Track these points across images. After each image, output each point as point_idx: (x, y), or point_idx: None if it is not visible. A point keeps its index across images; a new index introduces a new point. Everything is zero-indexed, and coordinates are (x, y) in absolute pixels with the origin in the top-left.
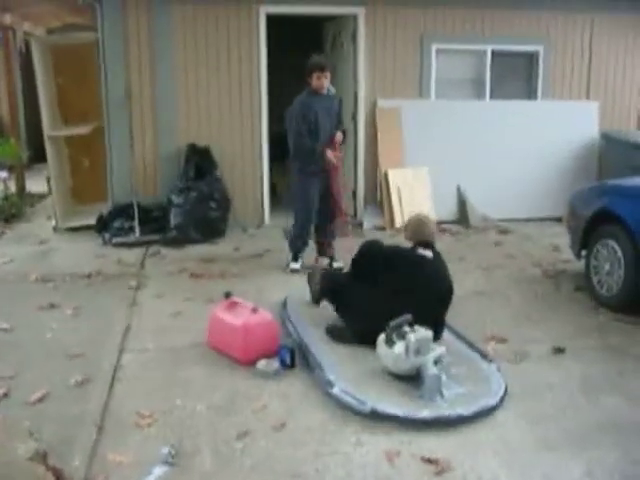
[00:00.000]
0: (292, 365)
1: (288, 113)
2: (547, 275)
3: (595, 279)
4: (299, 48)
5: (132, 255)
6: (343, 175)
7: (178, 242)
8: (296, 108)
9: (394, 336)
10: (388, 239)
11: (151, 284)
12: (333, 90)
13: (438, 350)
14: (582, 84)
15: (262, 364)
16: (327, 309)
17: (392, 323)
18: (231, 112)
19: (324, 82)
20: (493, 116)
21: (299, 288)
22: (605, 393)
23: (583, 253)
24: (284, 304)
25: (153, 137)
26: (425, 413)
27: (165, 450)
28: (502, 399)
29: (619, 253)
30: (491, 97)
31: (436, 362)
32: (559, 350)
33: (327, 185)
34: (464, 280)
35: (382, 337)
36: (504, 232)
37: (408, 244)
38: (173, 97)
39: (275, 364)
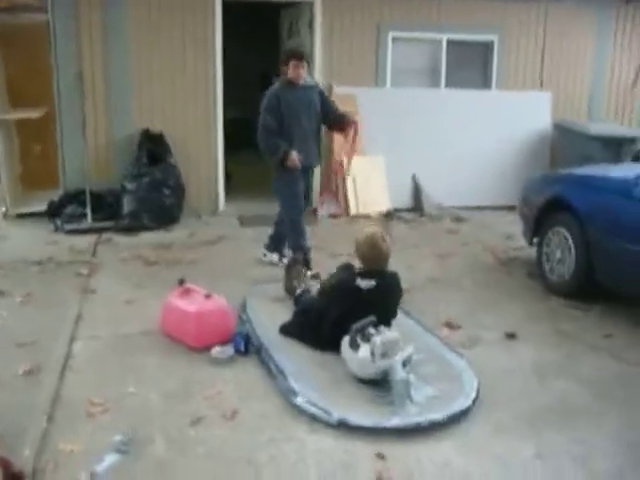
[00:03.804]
0: (246, 352)
1: (263, 104)
2: (500, 262)
3: (547, 266)
4: (255, 35)
5: (84, 242)
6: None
7: (131, 229)
8: (266, 100)
9: (358, 339)
10: (343, 226)
11: (104, 271)
12: (312, 80)
13: (406, 351)
14: (535, 74)
15: (216, 351)
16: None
17: (355, 325)
18: (186, 98)
19: (301, 72)
20: (448, 105)
21: (257, 280)
22: (555, 377)
23: (535, 241)
24: (243, 305)
25: (106, 122)
26: (395, 421)
27: (118, 438)
28: (475, 400)
29: (570, 241)
30: (446, 86)
31: (404, 364)
32: (511, 336)
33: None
34: (419, 268)
35: (346, 340)
36: (458, 220)
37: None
38: (127, 81)
39: (229, 351)
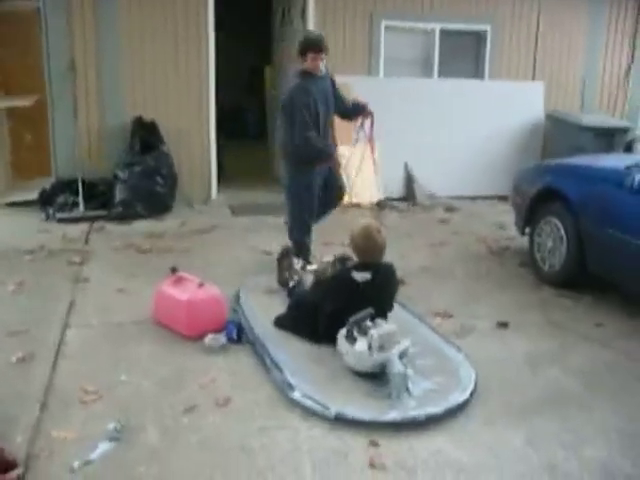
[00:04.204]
0: (239, 340)
1: (287, 101)
2: (492, 252)
3: (538, 256)
4: (248, 24)
5: (77, 231)
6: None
7: (124, 218)
8: (298, 96)
9: (355, 332)
10: (335, 215)
11: (96, 260)
12: (325, 70)
13: (403, 344)
14: (528, 64)
15: (209, 339)
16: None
17: (352, 318)
18: (178, 86)
19: (320, 64)
20: (441, 94)
21: (250, 269)
22: (547, 366)
23: (527, 230)
24: (237, 297)
25: (98, 110)
26: (393, 415)
27: (111, 426)
28: (472, 393)
29: (562, 230)
30: (439, 75)
31: (401, 356)
32: (503, 325)
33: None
34: (411, 257)
35: (342, 333)
36: (450, 210)
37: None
38: (119, 70)
39: (222, 339)
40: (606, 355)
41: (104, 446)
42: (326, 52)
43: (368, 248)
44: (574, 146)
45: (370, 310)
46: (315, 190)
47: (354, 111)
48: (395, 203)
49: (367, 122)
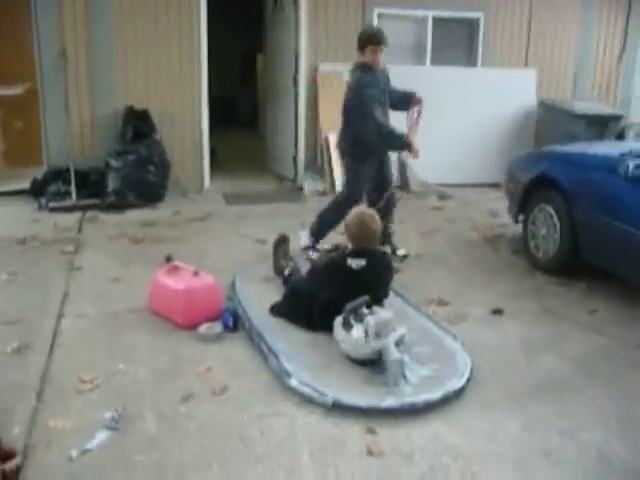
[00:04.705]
0: (235, 328)
1: (355, 95)
2: (486, 239)
3: (532, 243)
4: (240, 12)
5: (69, 220)
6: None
7: (116, 207)
8: (365, 89)
9: (352, 319)
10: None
11: (90, 249)
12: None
13: (399, 331)
14: (521, 52)
15: (204, 328)
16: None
17: (348, 306)
18: (170, 74)
19: (380, 58)
20: (433, 82)
21: (244, 258)
22: (542, 353)
23: (520, 218)
24: (233, 285)
25: (90, 98)
26: (390, 401)
27: (108, 415)
28: (469, 380)
29: (555, 218)
30: (432, 63)
31: (398, 344)
32: (497, 312)
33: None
34: (405, 244)
35: (339, 320)
36: (444, 197)
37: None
38: (110, 58)
39: (218, 328)
40: (600, 342)
41: (102, 435)
42: (385, 45)
43: (362, 235)
44: (566, 134)
45: (366, 297)
46: (367, 179)
47: (404, 101)
48: None
49: (416, 110)
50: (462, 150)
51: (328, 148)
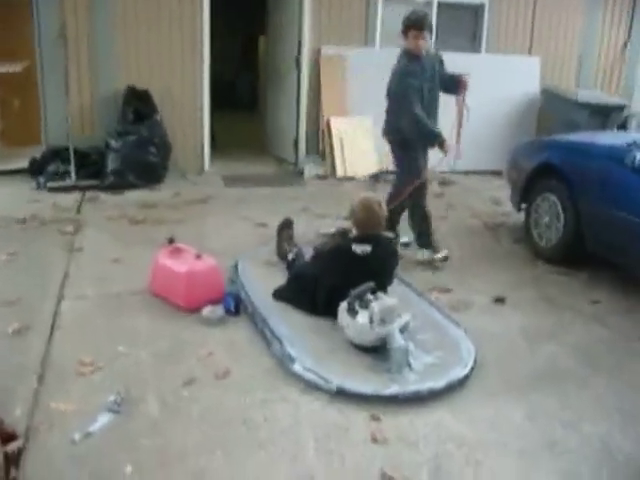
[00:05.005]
0: (237, 312)
1: (393, 84)
2: (487, 227)
3: (534, 232)
4: None
5: (69, 200)
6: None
7: (116, 187)
8: (403, 77)
9: (356, 305)
10: (330, 188)
11: (89, 230)
12: (432, 49)
13: (404, 318)
14: (525, 39)
15: (207, 311)
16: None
17: (354, 292)
18: (172, 56)
19: (421, 44)
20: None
21: (244, 241)
22: (543, 342)
23: (523, 206)
24: (235, 268)
25: (90, 78)
26: (394, 389)
27: (110, 398)
28: (473, 368)
29: (559, 207)
30: (435, 47)
31: (402, 331)
32: (500, 300)
33: None
34: (407, 231)
35: (344, 306)
36: (445, 184)
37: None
38: (112, 37)
39: (219, 311)
40: (602, 332)
41: (104, 418)
42: (429, 31)
43: (368, 220)
44: (569, 122)
45: (371, 284)
46: (420, 165)
47: (452, 84)
48: (389, 177)
49: (461, 96)
50: (464, 137)
51: (330, 132)
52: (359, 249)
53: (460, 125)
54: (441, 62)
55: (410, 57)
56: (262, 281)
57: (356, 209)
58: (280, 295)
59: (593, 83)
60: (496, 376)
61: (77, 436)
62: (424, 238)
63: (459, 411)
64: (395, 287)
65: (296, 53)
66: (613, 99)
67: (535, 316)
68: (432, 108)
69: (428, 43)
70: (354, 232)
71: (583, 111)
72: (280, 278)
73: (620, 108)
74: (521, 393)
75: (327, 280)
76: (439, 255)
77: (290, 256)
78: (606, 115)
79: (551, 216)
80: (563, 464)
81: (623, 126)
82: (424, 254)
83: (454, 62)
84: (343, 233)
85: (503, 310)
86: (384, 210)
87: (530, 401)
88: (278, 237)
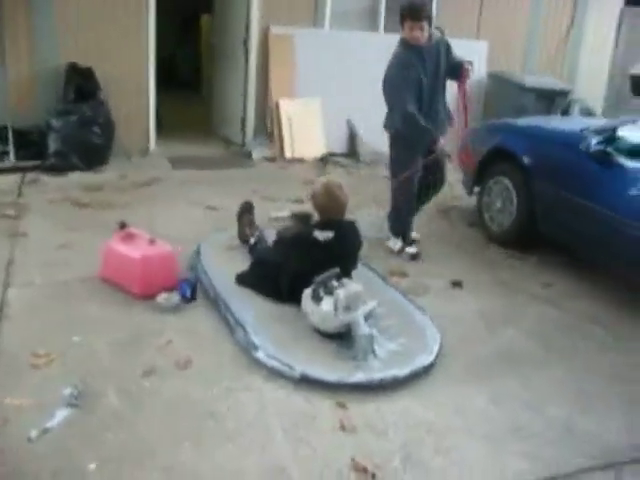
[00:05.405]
0: (193, 298)
1: (386, 76)
2: (440, 211)
3: (487, 216)
4: None
5: (8, 182)
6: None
7: (58, 169)
8: (396, 69)
9: (321, 292)
10: (278, 170)
11: (33, 214)
12: (438, 34)
13: (369, 304)
14: (473, 23)
15: (162, 298)
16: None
17: (318, 278)
18: (116, 31)
19: (418, 35)
20: (385, 49)
21: (196, 225)
22: (501, 326)
23: (475, 190)
24: (197, 252)
25: (29, 54)
26: (358, 376)
27: (67, 391)
28: (438, 355)
29: (512, 190)
30: (385, 30)
31: (367, 317)
32: (456, 284)
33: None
34: (359, 215)
35: (308, 292)
36: None
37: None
38: (51, 11)
39: (175, 298)
40: (556, 315)
41: (62, 413)
42: (427, 21)
43: (330, 206)
44: (516, 107)
45: (336, 270)
46: (417, 164)
47: (454, 71)
48: (338, 159)
49: (462, 85)
50: None
51: (279, 113)
52: (321, 236)
53: (466, 111)
54: (448, 48)
55: (406, 46)
56: (224, 266)
57: (317, 194)
58: (243, 280)
59: (538, 68)
60: (458, 361)
61: (34, 433)
62: (398, 225)
63: (425, 397)
64: (361, 273)
65: (244, 32)
66: (559, 84)
67: (491, 300)
68: (434, 100)
69: (427, 33)
70: (316, 217)
71: (530, 95)
72: (242, 263)
73: (565, 93)
74: (484, 377)
75: (290, 267)
76: (410, 250)
77: (252, 240)
78: (551, 100)
79: (504, 200)
80: (529, 447)
81: (566, 111)
82: (396, 244)
83: None
84: (305, 218)
85: (460, 294)
86: (346, 195)
87: (493, 385)
88: (239, 221)
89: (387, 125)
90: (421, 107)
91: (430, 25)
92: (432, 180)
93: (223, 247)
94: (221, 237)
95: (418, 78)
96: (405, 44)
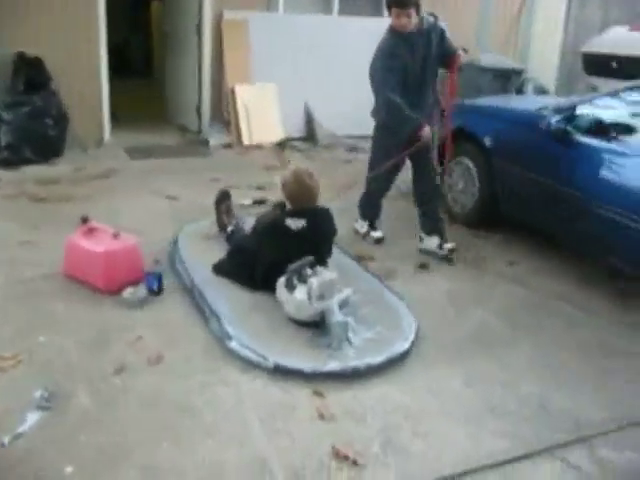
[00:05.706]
0: (160, 292)
1: (371, 63)
2: (401, 193)
3: (449, 196)
4: None
5: None
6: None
7: (11, 163)
8: (381, 57)
9: (295, 280)
10: (237, 157)
11: None
12: (431, 20)
13: (344, 292)
14: (425, 2)
15: (128, 292)
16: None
17: (292, 266)
18: (65, 18)
19: (405, 22)
20: (341, 32)
21: (158, 216)
22: (470, 307)
23: (437, 171)
24: (175, 242)
25: None
26: (332, 365)
27: (37, 393)
28: (414, 342)
29: (473, 171)
30: (339, 13)
31: (342, 305)
32: (423, 266)
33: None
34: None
35: (282, 281)
36: (353, 150)
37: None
38: None
39: (142, 292)
40: (521, 293)
41: (34, 416)
42: (415, 8)
43: (301, 194)
44: (473, 86)
45: (310, 258)
46: (391, 154)
47: (445, 60)
48: (296, 143)
49: (454, 69)
50: (369, 101)
51: (235, 99)
52: (293, 224)
53: (452, 98)
54: (442, 34)
55: (394, 33)
56: (201, 254)
57: (287, 183)
58: (220, 269)
59: (491, 48)
60: (431, 343)
61: (6, 439)
62: (368, 209)
63: (401, 383)
64: (338, 260)
65: (196, 18)
66: (514, 63)
67: (458, 281)
68: (422, 87)
69: (416, 20)
70: (287, 206)
71: (487, 75)
72: (220, 252)
73: (519, 72)
74: (457, 359)
75: (264, 255)
76: (375, 234)
77: (229, 228)
78: (507, 78)
79: (466, 180)
80: (506, 426)
81: (520, 90)
82: (363, 227)
83: (355, 27)
84: (280, 205)
85: (427, 276)
86: (316, 182)
87: (466, 367)
88: (216, 210)
89: (373, 113)
90: (408, 94)
91: (418, 12)
92: (419, 174)
93: (201, 236)
94: (200, 226)
95: (404, 66)
96: (393, 31)
